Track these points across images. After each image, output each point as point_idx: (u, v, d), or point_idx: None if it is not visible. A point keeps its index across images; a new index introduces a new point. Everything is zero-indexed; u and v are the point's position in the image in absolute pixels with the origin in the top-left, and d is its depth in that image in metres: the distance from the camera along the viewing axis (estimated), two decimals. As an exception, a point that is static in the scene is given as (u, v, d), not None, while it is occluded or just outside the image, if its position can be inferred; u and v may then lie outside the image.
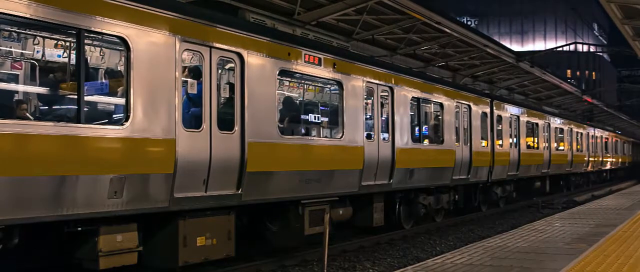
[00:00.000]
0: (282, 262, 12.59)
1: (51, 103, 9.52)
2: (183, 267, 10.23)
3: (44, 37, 9.48)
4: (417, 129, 17.47)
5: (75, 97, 8.57)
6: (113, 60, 10.32)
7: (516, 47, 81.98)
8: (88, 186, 8.44)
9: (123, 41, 9.05)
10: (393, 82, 15.80)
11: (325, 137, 14.19)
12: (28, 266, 9.27)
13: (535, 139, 28.42)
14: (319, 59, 13.05)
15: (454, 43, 23.44)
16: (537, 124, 28.58)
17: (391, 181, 15.43)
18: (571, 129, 35.97)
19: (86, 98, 8.81)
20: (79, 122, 8.38)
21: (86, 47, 9.17)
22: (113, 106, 9.94)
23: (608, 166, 49.71)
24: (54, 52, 10.00)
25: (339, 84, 13.87)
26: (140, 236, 9.50)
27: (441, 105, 18.63)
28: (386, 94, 15.69)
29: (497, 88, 33.77)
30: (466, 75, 29.53)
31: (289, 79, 14.44)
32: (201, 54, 10.31)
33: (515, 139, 25.18)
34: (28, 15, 7.93)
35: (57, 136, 8.07)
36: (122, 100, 9.29)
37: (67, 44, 9.59)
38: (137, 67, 9.11)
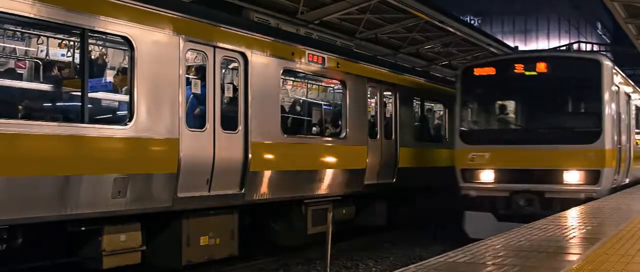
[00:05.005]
0: (285, 261, 12.60)
1: (54, 102, 9.55)
2: (186, 267, 10.25)
3: (47, 37, 9.52)
4: (420, 128, 17.46)
5: (79, 96, 8.59)
6: (117, 59, 10.35)
7: (519, 46, 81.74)
8: (92, 186, 8.46)
9: (126, 41, 9.07)
10: (396, 81, 15.80)
11: (329, 136, 14.19)
12: (30, 266, 9.30)
13: None
14: (323, 58, 13.06)
15: (457, 42, 23.39)
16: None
17: (394, 180, 15.43)
18: None
19: (90, 97, 8.83)
20: (83, 122, 8.40)
21: (90, 47, 9.19)
22: (116, 106, 9.97)
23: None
24: (57, 51, 10.04)
25: (343, 83, 13.88)
26: (144, 236, 9.52)
27: (444, 104, 18.62)
28: (389, 93, 15.69)
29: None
30: (469, 75, 29.45)
31: (293, 79, 14.45)
32: (205, 53, 10.33)
33: None
34: (32, 15, 7.96)
35: (60, 136, 8.08)
36: (125, 100, 9.32)
37: (71, 43, 9.63)
38: (141, 66, 9.12)
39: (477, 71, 14.84)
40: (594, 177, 13.20)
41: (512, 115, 15.24)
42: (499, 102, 15.24)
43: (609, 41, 58.00)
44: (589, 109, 14.55)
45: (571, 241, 7.07)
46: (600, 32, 62.52)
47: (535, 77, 14.07)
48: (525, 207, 13.52)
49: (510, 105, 15.34)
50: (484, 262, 5.76)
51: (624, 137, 15.12)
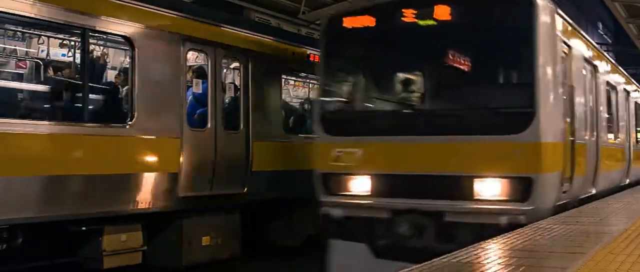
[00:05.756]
0: (287, 262, 12.55)
1: (55, 102, 9.51)
2: (188, 267, 10.20)
3: (48, 37, 9.49)
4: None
5: (80, 96, 8.56)
6: (117, 59, 10.32)
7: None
8: (92, 186, 8.42)
9: (127, 40, 9.03)
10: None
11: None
12: (31, 266, 9.26)
13: None
14: None
15: (458, 42, 23.40)
16: None
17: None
18: None
19: (90, 97, 8.80)
20: (83, 122, 8.36)
21: (90, 47, 9.17)
22: (117, 105, 9.93)
23: None
24: (58, 51, 10.01)
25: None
26: (145, 236, 9.47)
27: None
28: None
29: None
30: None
31: (294, 78, 14.40)
32: (206, 53, 10.29)
33: None
34: (33, 15, 7.93)
35: (60, 135, 8.04)
36: (126, 99, 9.28)
37: (72, 43, 9.60)
38: (142, 66, 9.08)
39: (348, 22, 9.58)
40: (522, 189, 8.35)
41: (398, 88, 9.93)
42: (379, 68, 10.14)
43: (610, 41, 57.88)
44: (516, 77, 9.84)
45: (575, 241, 7.01)
46: (601, 32, 62.41)
47: (434, 29, 9.10)
48: (411, 238, 8.80)
49: (396, 73, 9.96)
50: (488, 263, 5.69)
51: (582, 126, 10.24)
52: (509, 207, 8.38)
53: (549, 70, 8.59)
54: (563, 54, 9.37)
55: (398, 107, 9.89)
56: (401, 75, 9.93)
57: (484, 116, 8.86)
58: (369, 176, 9.07)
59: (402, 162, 8.88)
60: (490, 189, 8.48)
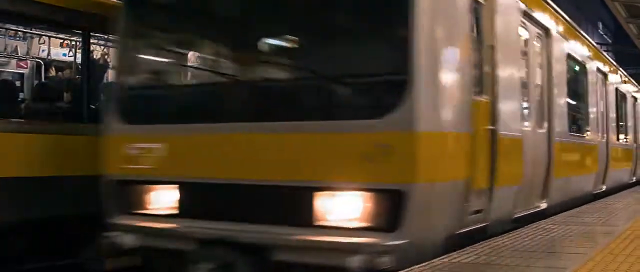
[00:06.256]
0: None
1: (55, 101, 9.53)
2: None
3: (50, 36, 9.49)
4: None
5: (80, 96, 8.55)
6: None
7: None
8: (93, 186, 8.40)
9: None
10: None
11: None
12: (31, 267, 9.25)
13: None
14: None
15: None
16: None
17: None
18: None
19: (91, 97, 8.79)
20: (84, 122, 8.36)
21: (92, 46, 9.16)
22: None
23: None
24: (59, 51, 10.03)
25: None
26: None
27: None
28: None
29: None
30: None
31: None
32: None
33: None
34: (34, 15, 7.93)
35: (61, 135, 8.04)
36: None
37: (73, 43, 9.60)
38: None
39: None
40: (386, 209, 5.45)
41: (212, 51, 7.10)
42: (191, 23, 7.17)
43: (610, 41, 57.92)
44: (381, 25, 5.92)
45: (576, 241, 7.03)
46: (601, 32, 62.30)
47: None
48: None
49: (210, 29, 7.09)
50: (488, 263, 5.70)
51: (513, 110, 7.47)
52: (365, 240, 5.36)
53: (439, 16, 5.71)
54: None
55: (209, 80, 6.83)
56: (217, 33, 6.95)
57: (329, 89, 5.95)
58: (175, 185, 6.33)
59: (212, 165, 6.05)
60: (338, 209, 5.61)
